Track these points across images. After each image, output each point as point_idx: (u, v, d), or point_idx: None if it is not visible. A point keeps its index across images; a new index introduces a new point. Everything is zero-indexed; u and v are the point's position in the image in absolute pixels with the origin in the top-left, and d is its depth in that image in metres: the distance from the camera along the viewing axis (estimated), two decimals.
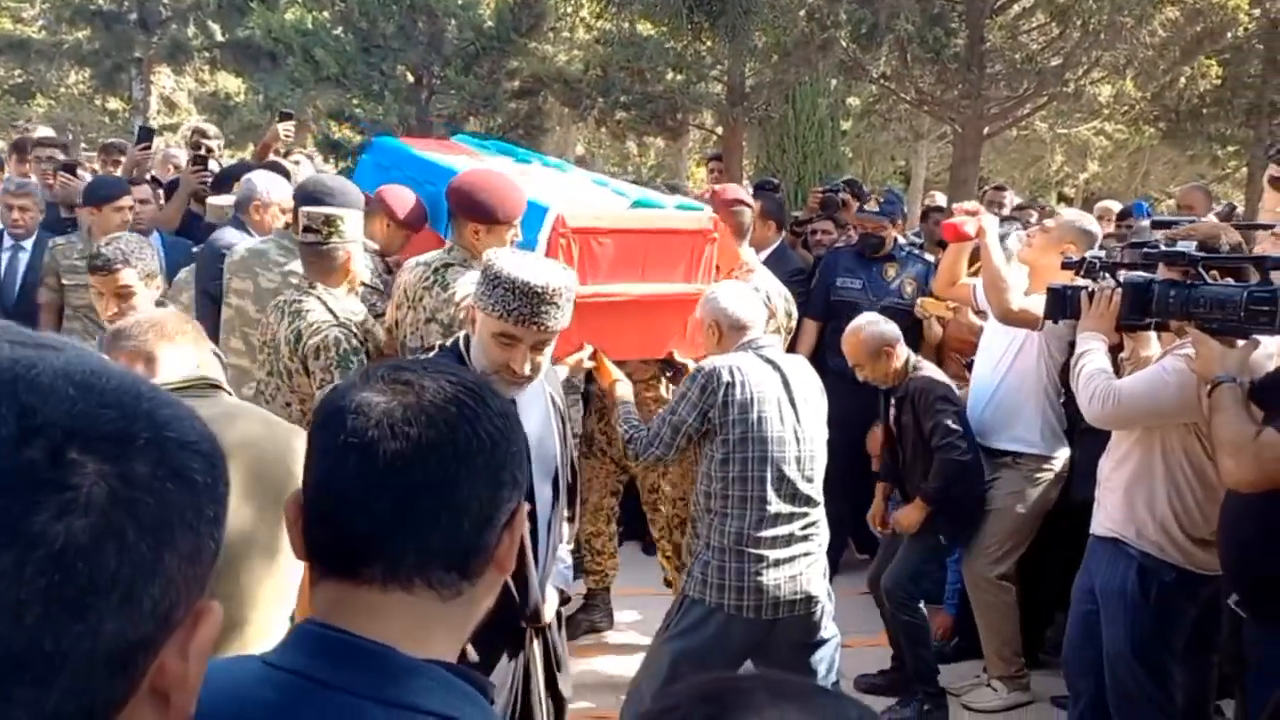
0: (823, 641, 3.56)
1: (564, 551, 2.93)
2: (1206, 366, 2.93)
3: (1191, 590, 3.36)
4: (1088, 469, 3.82)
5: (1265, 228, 4.32)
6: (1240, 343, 2.95)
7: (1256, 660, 2.92)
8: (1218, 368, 2.89)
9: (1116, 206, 7.24)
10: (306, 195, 4.29)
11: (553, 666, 2.80)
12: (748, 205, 4.51)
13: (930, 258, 6.12)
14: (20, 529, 0.62)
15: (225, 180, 5.81)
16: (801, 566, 3.44)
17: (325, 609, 1.07)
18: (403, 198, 4.41)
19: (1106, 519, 3.46)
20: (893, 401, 4.47)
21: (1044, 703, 4.53)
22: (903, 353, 4.38)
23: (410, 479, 1.05)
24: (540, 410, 2.72)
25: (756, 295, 3.76)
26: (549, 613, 2.73)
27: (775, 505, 3.40)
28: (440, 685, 1.04)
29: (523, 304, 2.45)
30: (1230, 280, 3.11)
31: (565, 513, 2.93)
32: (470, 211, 3.62)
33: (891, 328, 4.39)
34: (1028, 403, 4.37)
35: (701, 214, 4.09)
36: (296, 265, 3.90)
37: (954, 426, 4.23)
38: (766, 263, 5.88)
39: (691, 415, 3.43)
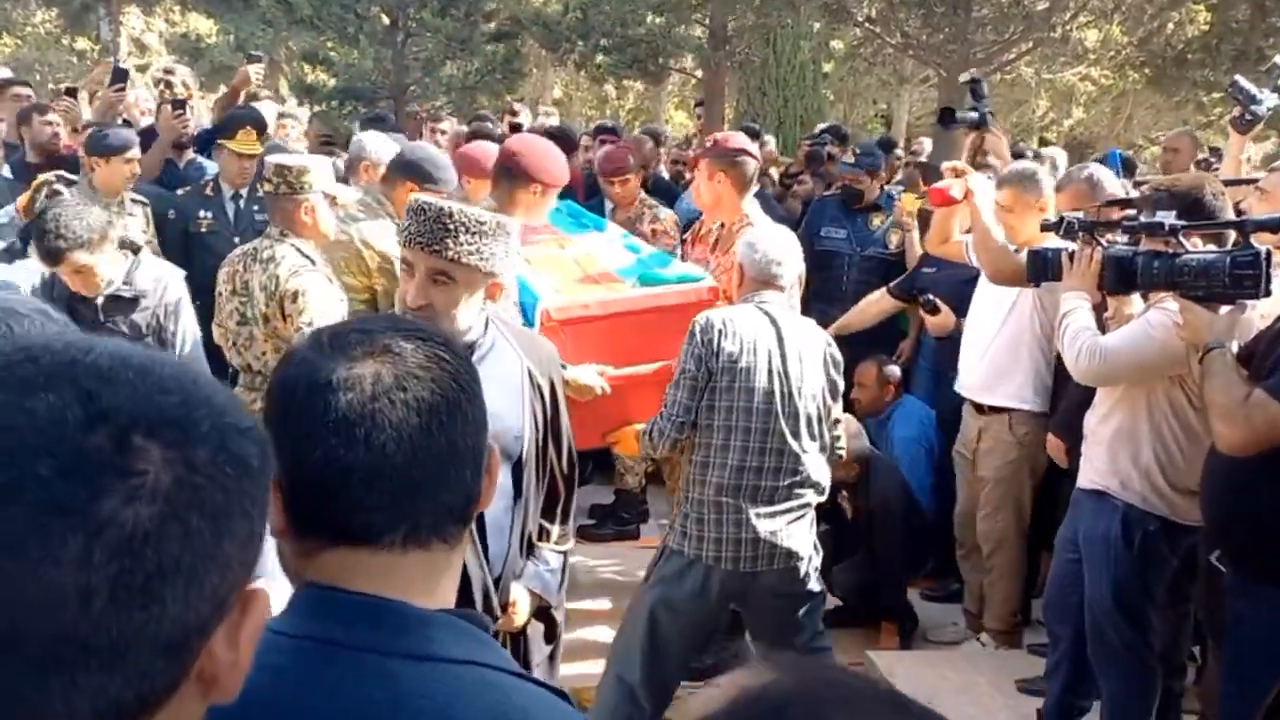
0: (808, 595, 3.54)
1: (549, 554, 2.62)
2: (1195, 335, 2.91)
3: (1174, 540, 3.37)
4: None
5: (1250, 182, 4.28)
6: (1225, 308, 2.92)
7: (1237, 615, 2.93)
8: (1207, 335, 2.86)
9: (1063, 156, 7.19)
10: (402, 163, 4.32)
11: None
12: (752, 155, 4.41)
13: None
14: (89, 514, 0.63)
15: (226, 128, 5.62)
16: (783, 522, 3.41)
17: (335, 575, 1.07)
18: (473, 157, 4.52)
19: (1092, 472, 3.46)
20: (844, 493, 4.66)
21: (1019, 649, 4.56)
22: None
23: (418, 444, 1.07)
24: (506, 387, 2.45)
25: (797, 254, 3.69)
26: (519, 616, 2.53)
27: (758, 458, 3.37)
28: (455, 632, 1.07)
29: (412, 223, 2.33)
30: (1211, 245, 3.09)
31: (558, 509, 2.66)
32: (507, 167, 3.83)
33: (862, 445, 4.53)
34: (1021, 359, 4.34)
35: (700, 284, 4.00)
36: (366, 221, 4.09)
37: (898, 551, 4.62)
38: None
39: (699, 368, 3.37)
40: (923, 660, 4.50)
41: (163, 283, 3.97)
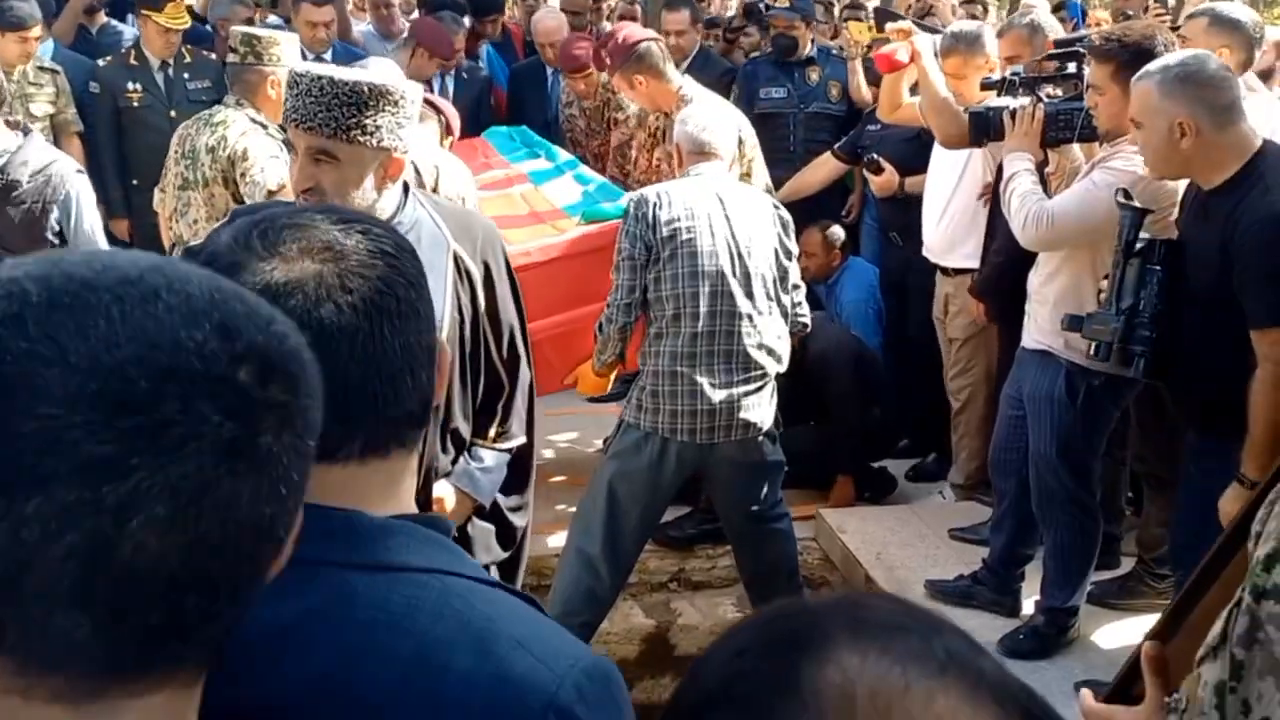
0: (767, 465, 3.60)
1: (484, 452, 2.49)
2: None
3: (1118, 394, 3.45)
4: None
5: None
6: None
7: (1196, 471, 3.02)
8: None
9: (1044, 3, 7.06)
10: None
11: None
12: (649, 38, 4.32)
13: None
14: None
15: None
16: (740, 391, 3.43)
17: None
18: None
19: (1036, 331, 3.51)
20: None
21: (972, 502, 4.70)
22: None
23: (372, 351, 0.99)
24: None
25: (730, 124, 3.66)
26: (447, 514, 2.35)
27: (709, 322, 3.38)
28: (415, 539, 1.01)
29: (288, 97, 2.12)
30: None
31: (498, 404, 2.51)
32: None
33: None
34: (978, 220, 4.31)
35: None
36: None
37: (851, 405, 4.57)
38: (689, 70, 5.69)
39: (634, 245, 3.36)
40: (871, 515, 4.62)
41: (45, 175, 3.61)
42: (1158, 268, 2.93)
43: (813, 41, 5.75)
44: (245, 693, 0.91)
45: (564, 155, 5.02)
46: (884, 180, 4.87)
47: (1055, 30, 4.33)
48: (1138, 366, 2.97)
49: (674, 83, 4.27)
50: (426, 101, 4.16)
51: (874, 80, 5.20)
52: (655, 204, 3.36)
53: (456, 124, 4.27)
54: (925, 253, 4.57)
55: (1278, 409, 2.67)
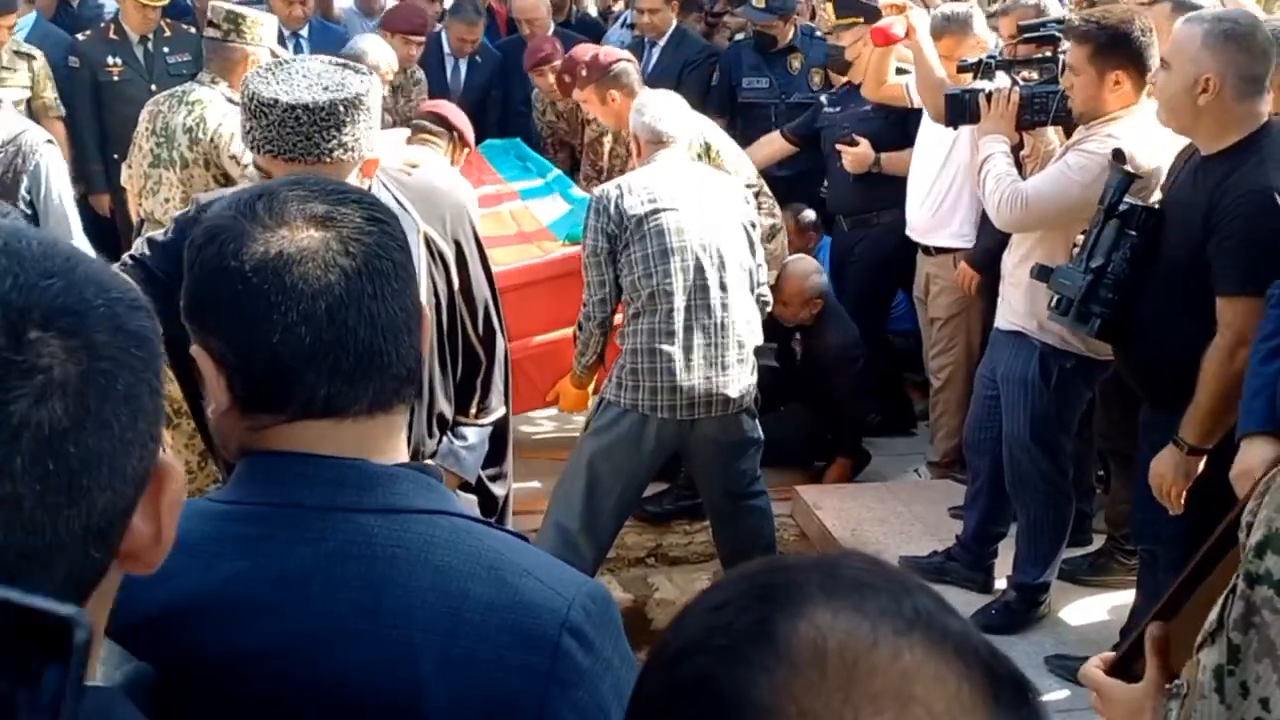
0: (746, 442, 3.64)
1: (466, 430, 2.50)
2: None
3: (1089, 375, 3.50)
4: None
5: None
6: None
7: (1144, 443, 3.07)
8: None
9: None
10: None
11: None
12: (626, 59, 4.37)
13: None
14: (2, 421, 0.60)
15: None
16: (719, 368, 3.46)
17: (296, 445, 1.05)
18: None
19: (1010, 313, 3.55)
20: (798, 336, 4.67)
21: (947, 480, 4.75)
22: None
23: (376, 313, 1.05)
24: None
25: (685, 110, 3.75)
26: None
27: (685, 299, 3.41)
28: (418, 484, 1.08)
29: (255, 126, 2.03)
30: None
31: (476, 381, 2.52)
32: None
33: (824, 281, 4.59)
34: (963, 198, 4.34)
35: None
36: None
37: (853, 390, 4.65)
38: (665, 49, 5.72)
39: (597, 241, 3.42)
40: (847, 493, 4.66)
41: (15, 145, 3.50)
42: (1134, 233, 2.95)
43: (796, 27, 5.74)
44: (281, 630, 0.98)
45: (554, 172, 5.10)
46: (859, 153, 4.80)
47: (1058, 11, 4.33)
48: (1093, 326, 3.00)
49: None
50: (438, 117, 4.16)
51: (837, 69, 5.18)
52: (616, 196, 3.41)
53: (471, 136, 4.25)
54: (909, 232, 4.60)
55: (1226, 379, 2.69)
